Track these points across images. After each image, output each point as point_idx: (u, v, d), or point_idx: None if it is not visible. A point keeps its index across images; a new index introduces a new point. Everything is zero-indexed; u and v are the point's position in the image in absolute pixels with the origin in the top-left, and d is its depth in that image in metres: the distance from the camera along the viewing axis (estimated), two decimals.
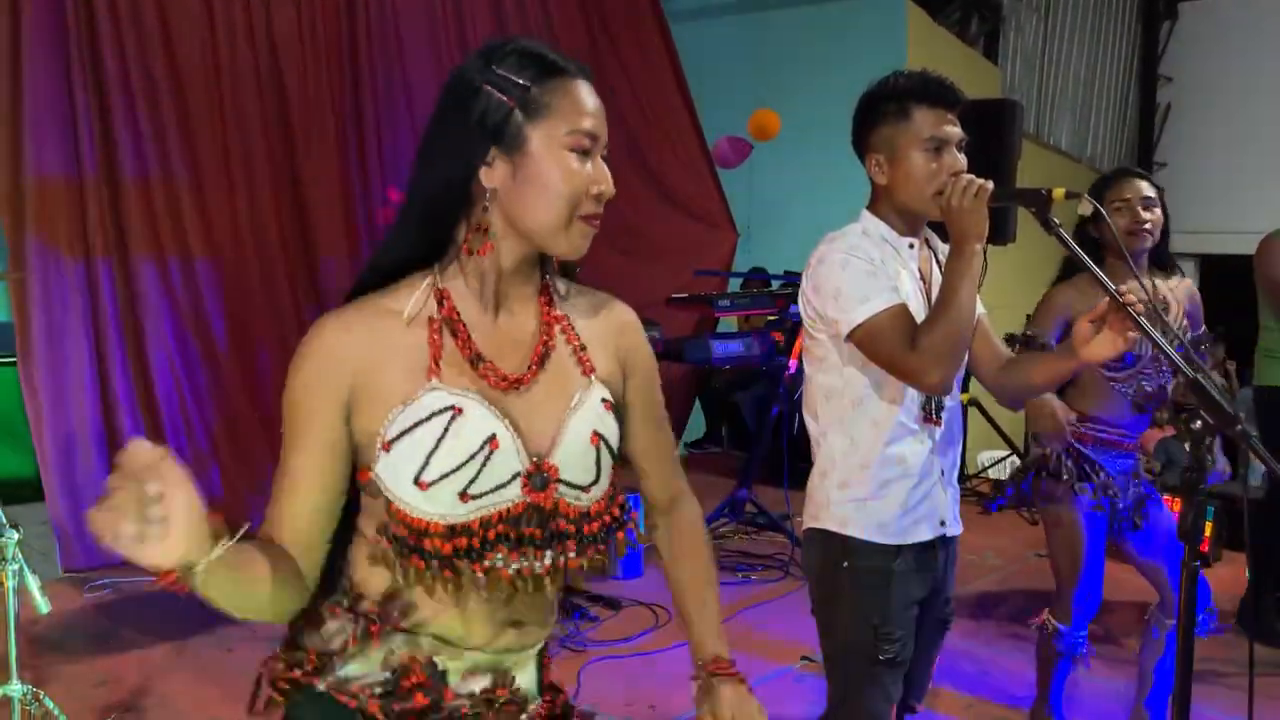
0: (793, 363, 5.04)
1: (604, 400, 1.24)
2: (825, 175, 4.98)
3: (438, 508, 1.12)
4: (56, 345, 4.33)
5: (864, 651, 1.92)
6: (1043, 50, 9.92)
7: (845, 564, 1.94)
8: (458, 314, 1.18)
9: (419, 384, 1.13)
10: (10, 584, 2.45)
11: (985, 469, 6.83)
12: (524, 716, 1.25)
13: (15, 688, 2.55)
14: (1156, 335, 1.57)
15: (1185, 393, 1.43)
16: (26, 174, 4.23)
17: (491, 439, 1.13)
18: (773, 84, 7.21)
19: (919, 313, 1.88)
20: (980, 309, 1.99)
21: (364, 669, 1.18)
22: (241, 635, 3.70)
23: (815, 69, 7.02)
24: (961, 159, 1.88)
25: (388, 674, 1.18)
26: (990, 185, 1.79)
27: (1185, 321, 2.77)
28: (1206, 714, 3.12)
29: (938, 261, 2.01)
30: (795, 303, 2.07)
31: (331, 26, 5.24)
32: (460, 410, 1.13)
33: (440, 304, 1.17)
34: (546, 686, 1.31)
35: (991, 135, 4.24)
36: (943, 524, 2.00)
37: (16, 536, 2.45)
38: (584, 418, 1.21)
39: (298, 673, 1.19)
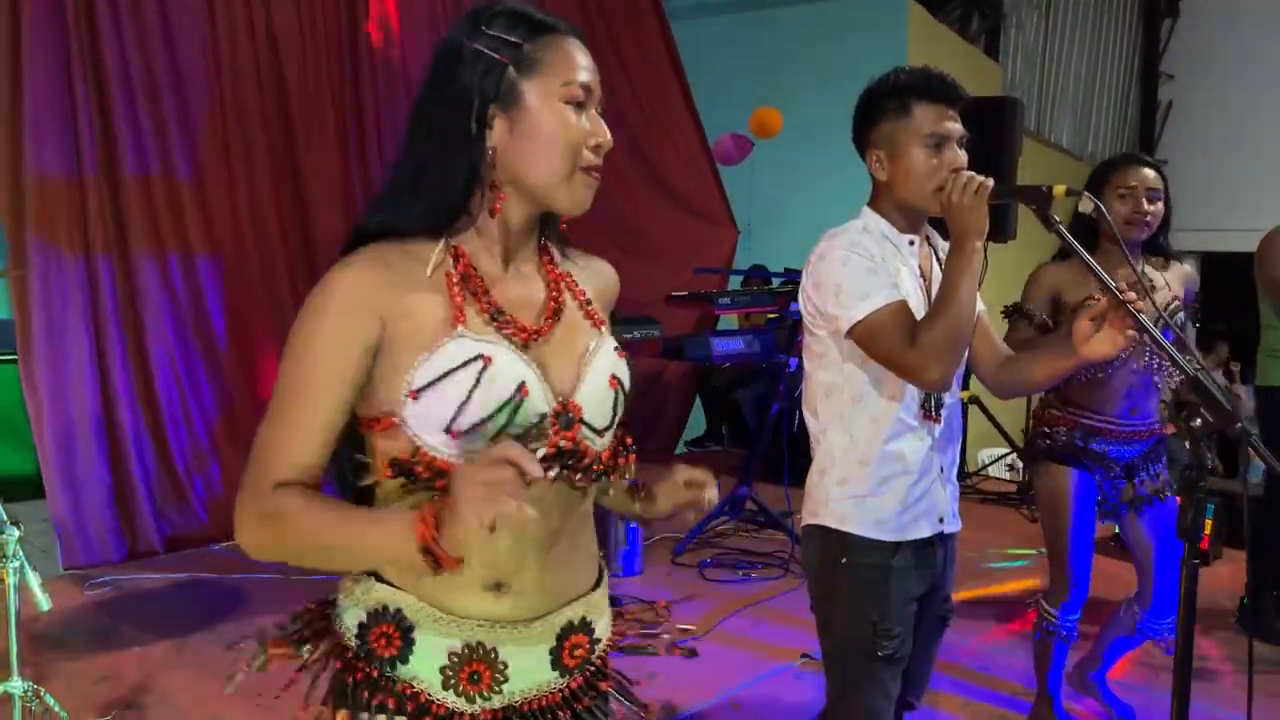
0: (793, 360, 5.04)
1: (615, 348, 1.28)
2: (825, 172, 4.99)
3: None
4: (57, 342, 4.33)
5: (863, 648, 1.92)
6: (1044, 48, 9.91)
7: (844, 561, 1.94)
8: (474, 270, 1.19)
9: (443, 331, 1.14)
10: (11, 581, 2.45)
11: (985, 466, 6.83)
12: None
13: (16, 685, 2.55)
14: (1157, 333, 1.57)
15: (1186, 390, 1.42)
16: (27, 170, 4.22)
17: (521, 386, 1.15)
18: (773, 81, 7.21)
19: (919, 310, 1.87)
20: (980, 306, 1.99)
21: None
22: (241, 632, 3.69)
23: (815, 66, 7.02)
24: (962, 155, 1.88)
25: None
26: (991, 182, 1.79)
27: (1176, 303, 2.76)
28: (1206, 711, 3.12)
29: (938, 259, 2.01)
30: (796, 300, 2.07)
31: (331, 21, 5.24)
32: (490, 359, 1.13)
33: (456, 260, 1.19)
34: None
35: (992, 132, 4.24)
36: (942, 521, 2.00)
37: (17, 533, 2.45)
38: (602, 363, 1.24)
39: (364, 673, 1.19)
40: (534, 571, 1.19)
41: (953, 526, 2.03)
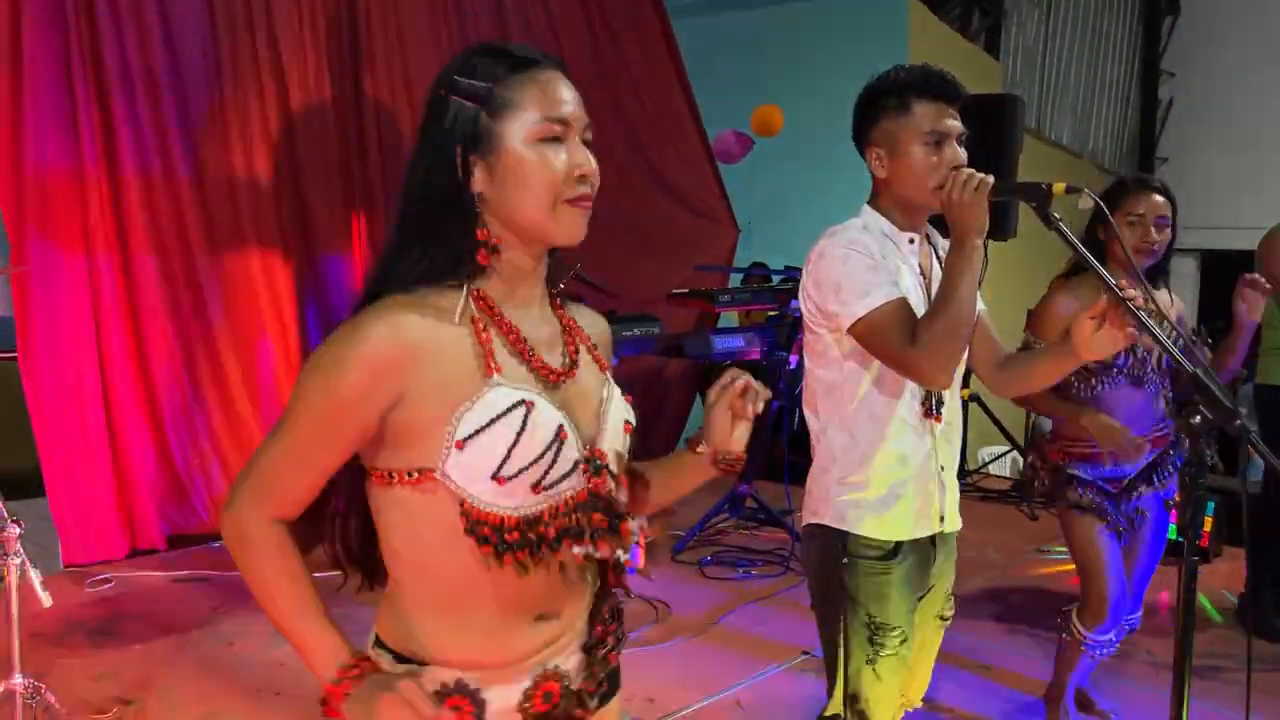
0: (793, 358, 5.04)
1: (623, 393, 1.31)
2: (826, 170, 4.98)
3: (512, 500, 1.15)
4: (57, 339, 4.33)
5: (863, 647, 1.92)
6: (1044, 46, 9.91)
7: (845, 559, 1.94)
8: (499, 311, 1.20)
9: (480, 381, 1.14)
10: (12, 578, 2.46)
11: (985, 465, 6.83)
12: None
13: (17, 682, 2.56)
14: (1158, 330, 1.57)
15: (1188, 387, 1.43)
16: (27, 168, 4.22)
17: (560, 429, 1.17)
18: (773, 79, 7.21)
19: (919, 308, 1.87)
20: (980, 305, 1.99)
21: None
22: (241, 630, 3.71)
23: (816, 64, 7.02)
24: (962, 153, 1.88)
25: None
26: (991, 180, 1.79)
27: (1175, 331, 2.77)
28: (1204, 709, 3.12)
29: (938, 257, 2.01)
30: (796, 298, 2.07)
31: (333, 20, 5.24)
32: (531, 405, 1.15)
33: (480, 304, 1.19)
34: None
35: (992, 130, 4.24)
36: (943, 520, 2.00)
37: (18, 530, 2.46)
38: (617, 409, 1.28)
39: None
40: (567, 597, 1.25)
41: (954, 525, 2.03)
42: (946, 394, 1.96)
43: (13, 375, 4.33)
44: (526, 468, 1.14)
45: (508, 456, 1.13)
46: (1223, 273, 8.11)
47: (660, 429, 6.59)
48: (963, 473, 6.06)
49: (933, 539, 2.00)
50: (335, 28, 5.25)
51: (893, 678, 1.95)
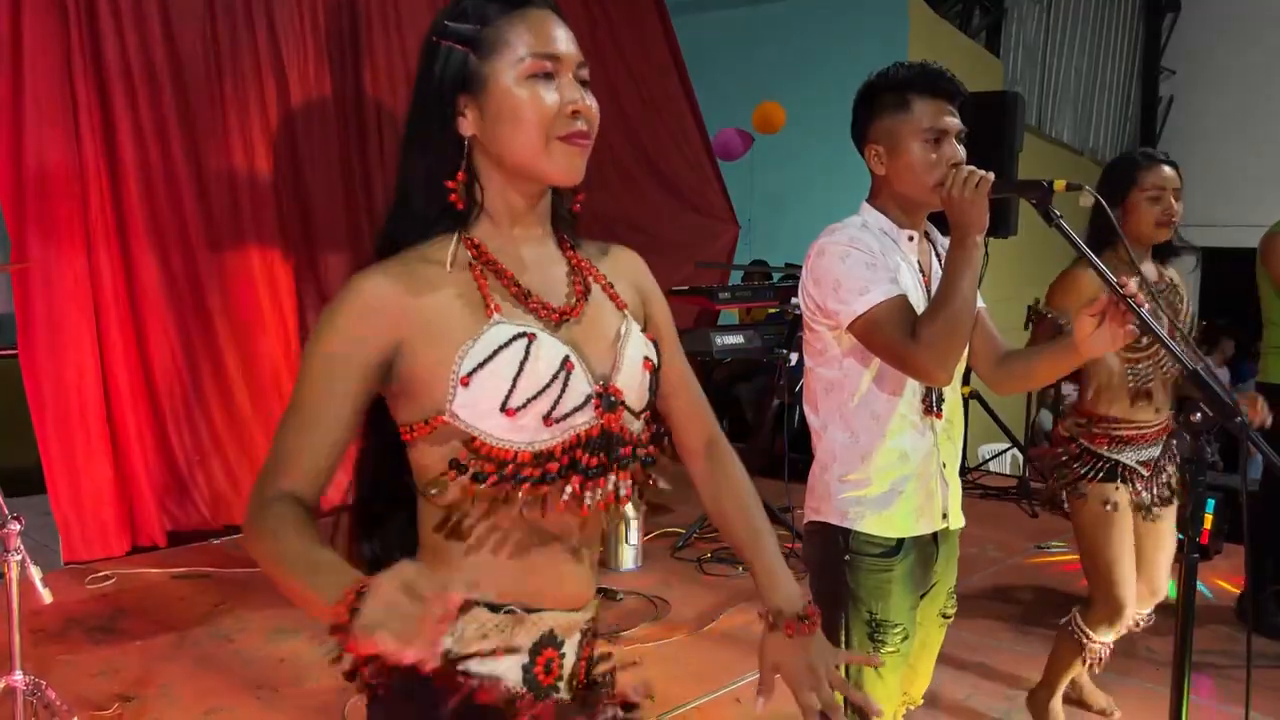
0: (793, 355, 5.04)
1: (643, 330, 1.28)
2: (826, 167, 4.99)
3: (524, 435, 1.14)
4: (58, 335, 4.33)
5: (865, 645, 1.92)
6: (1045, 43, 9.91)
7: (846, 557, 1.94)
8: (494, 257, 1.20)
9: (480, 321, 1.14)
10: (13, 575, 2.46)
11: (986, 462, 6.84)
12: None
13: (18, 678, 2.56)
14: (1158, 328, 1.57)
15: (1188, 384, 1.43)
16: (28, 165, 4.23)
17: (566, 361, 1.16)
18: (774, 76, 7.21)
19: (918, 305, 1.87)
20: (980, 303, 1.99)
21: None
22: (242, 626, 3.71)
23: (816, 62, 7.02)
24: (961, 150, 1.88)
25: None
26: (991, 177, 1.78)
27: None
28: (1204, 705, 3.13)
29: (937, 254, 2.01)
30: (796, 295, 2.07)
31: (333, 16, 5.24)
32: (533, 336, 1.15)
33: (474, 251, 1.19)
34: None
35: (993, 127, 4.24)
36: (944, 517, 1.99)
37: (18, 527, 2.46)
38: (635, 346, 1.24)
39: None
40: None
41: (955, 523, 2.03)
42: (947, 391, 1.96)
43: (13, 372, 4.33)
44: (534, 397, 1.13)
45: (513, 387, 1.12)
46: (1224, 271, 8.11)
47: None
48: (963, 470, 6.06)
49: (935, 536, 2.00)
50: (335, 24, 5.25)
51: (894, 675, 1.95)
